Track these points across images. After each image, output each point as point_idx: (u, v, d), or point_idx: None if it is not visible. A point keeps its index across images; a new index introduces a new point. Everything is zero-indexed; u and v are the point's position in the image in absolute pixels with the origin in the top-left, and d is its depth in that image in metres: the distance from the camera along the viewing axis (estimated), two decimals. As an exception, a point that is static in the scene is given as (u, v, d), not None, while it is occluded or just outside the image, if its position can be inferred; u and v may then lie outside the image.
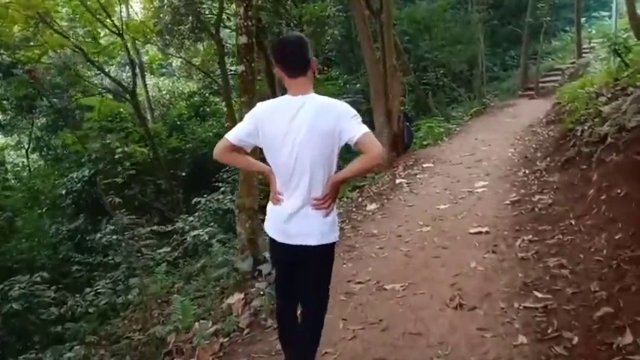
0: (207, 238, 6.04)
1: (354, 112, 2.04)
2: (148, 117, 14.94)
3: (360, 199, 6.92)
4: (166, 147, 13.59)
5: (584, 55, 15.97)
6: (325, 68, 15.51)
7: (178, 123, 14.89)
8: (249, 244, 4.60)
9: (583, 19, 17.84)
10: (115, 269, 8.90)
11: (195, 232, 6.39)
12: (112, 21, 11.46)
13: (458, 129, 12.00)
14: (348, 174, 2.13)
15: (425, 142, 10.25)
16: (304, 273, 2.24)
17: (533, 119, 11.36)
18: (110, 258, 9.64)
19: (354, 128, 1.98)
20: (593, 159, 4.88)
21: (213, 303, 4.37)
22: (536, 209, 4.85)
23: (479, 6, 16.58)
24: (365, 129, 1.99)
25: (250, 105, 4.58)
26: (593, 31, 16.94)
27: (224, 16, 13.37)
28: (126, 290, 7.38)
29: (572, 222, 4.02)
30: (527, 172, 6.61)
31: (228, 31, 14.32)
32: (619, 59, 8.61)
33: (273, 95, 9.40)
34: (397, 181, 7.51)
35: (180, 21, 14.50)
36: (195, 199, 10.52)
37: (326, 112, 2.02)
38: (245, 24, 4.54)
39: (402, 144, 9.77)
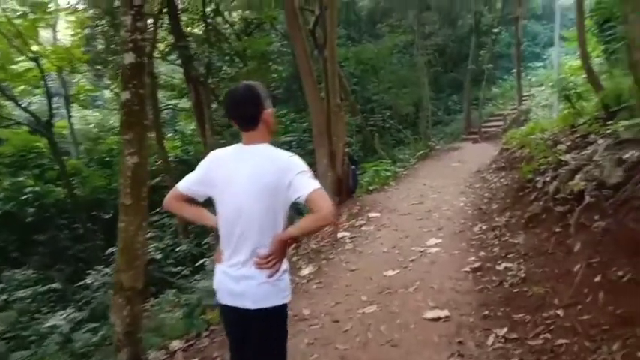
0: (65, 330, 4.32)
1: (303, 166, 1.86)
2: (73, 152, 13.11)
3: (294, 258, 5.65)
4: (89, 186, 11.81)
5: (523, 101, 15.87)
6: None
7: (107, 159, 13.17)
8: (127, 340, 3.19)
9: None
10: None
11: (50, 323, 4.65)
12: (28, 46, 9.86)
13: (405, 172, 11.12)
14: (297, 232, 1.91)
15: (371, 188, 9.20)
16: (249, 340, 1.95)
17: (480, 164, 10.67)
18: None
19: (304, 185, 1.80)
20: (569, 221, 3.89)
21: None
22: (505, 284, 3.76)
23: (423, 50, 16.28)
24: (315, 185, 1.80)
25: (137, 145, 3.29)
26: (533, 79, 17.03)
27: (162, 47, 12.12)
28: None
29: (560, 313, 2.93)
30: (484, 227, 5.62)
31: (165, 63, 13.02)
32: (567, 106, 8.03)
33: (202, 133, 8.16)
34: (339, 234, 6.32)
35: (116, 50, 13.06)
36: (110, 250, 8.85)
37: (272, 165, 1.85)
38: (133, 38, 3.29)
39: (346, 189, 8.68)
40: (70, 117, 13.42)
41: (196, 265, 8.03)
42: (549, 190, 4.98)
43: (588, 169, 4.35)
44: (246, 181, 1.84)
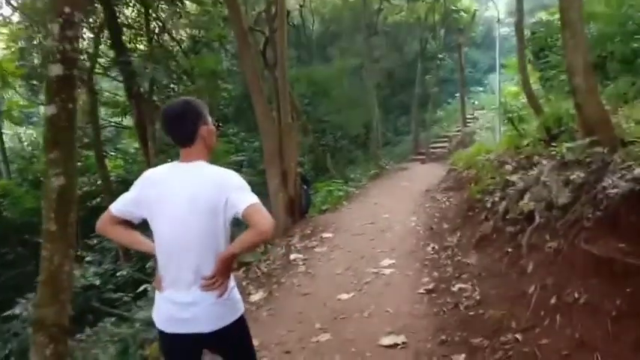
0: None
1: (241, 182, 1.79)
2: (3, 171, 12.08)
3: (244, 283, 5.33)
4: (20, 207, 10.84)
5: (467, 124, 16.46)
6: (219, 125, 14.06)
7: (42, 179, 12.23)
8: (48, 387, 2.77)
9: (462, 93, 18.76)
10: None
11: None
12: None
13: (357, 192, 11.07)
14: (236, 249, 1.80)
15: (324, 207, 9.05)
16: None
17: (429, 184, 10.82)
18: None
19: (240, 200, 1.72)
20: (521, 241, 3.88)
21: None
22: (461, 306, 3.65)
23: (373, 73, 16.59)
24: (252, 200, 1.73)
25: (63, 165, 2.94)
26: (476, 102, 17.73)
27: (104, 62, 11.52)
28: None
29: (519, 337, 2.83)
30: (436, 247, 5.57)
31: (109, 79, 12.39)
32: (510, 128, 8.32)
33: (145, 152, 7.69)
34: (292, 256, 6.07)
35: (54, 65, 12.26)
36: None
37: (209, 182, 1.76)
38: (61, 48, 2.97)
39: (299, 209, 8.47)
40: (0, 134, 12.40)
41: (138, 291, 7.48)
42: (499, 209, 5.02)
43: (536, 189, 4.40)
44: (184, 201, 1.74)
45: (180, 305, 1.78)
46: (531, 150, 6.06)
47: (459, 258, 4.83)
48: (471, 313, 3.46)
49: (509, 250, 4.01)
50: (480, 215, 5.44)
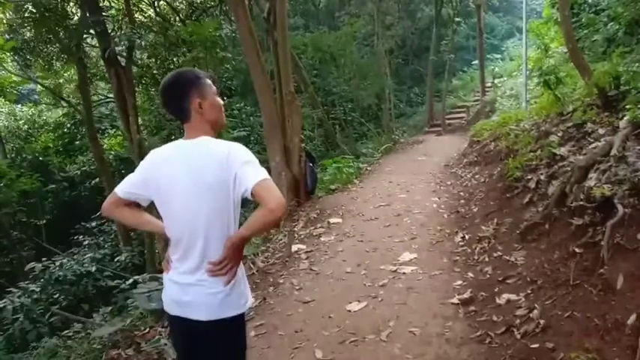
0: None
1: (248, 155, 1.59)
2: (-1, 152, 11.20)
3: (235, 283, 4.32)
4: (17, 189, 9.97)
5: (487, 92, 15.03)
6: (224, 99, 12.93)
7: (41, 159, 11.34)
8: None
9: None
10: None
11: None
12: None
13: (369, 168, 9.92)
14: (247, 232, 1.60)
15: (332, 187, 7.95)
16: (201, 355, 1.67)
17: (448, 158, 9.69)
18: None
19: (248, 176, 1.53)
20: (595, 238, 2.76)
21: None
22: (516, 333, 2.57)
23: (384, 40, 15.13)
24: (261, 176, 1.53)
25: None
26: (496, 69, 16.21)
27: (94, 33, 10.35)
28: None
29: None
30: (467, 237, 4.47)
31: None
32: (547, 92, 7.02)
33: (126, 127, 6.62)
34: (294, 247, 5.03)
35: (48, 39, 11.17)
36: (29, 265, 7.24)
37: (213, 159, 1.57)
38: None
39: (304, 189, 7.39)
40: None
41: (128, 282, 6.61)
42: (548, 191, 3.88)
43: (607, 166, 3.24)
44: (189, 181, 1.57)
45: (182, 287, 1.63)
46: (581, 117, 4.84)
47: (500, 254, 3.74)
48: (534, 345, 2.38)
49: (577, 250, 2.88)
50: (523, 198, 4.32)
